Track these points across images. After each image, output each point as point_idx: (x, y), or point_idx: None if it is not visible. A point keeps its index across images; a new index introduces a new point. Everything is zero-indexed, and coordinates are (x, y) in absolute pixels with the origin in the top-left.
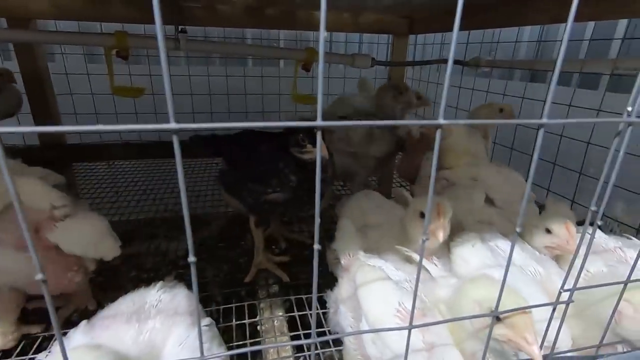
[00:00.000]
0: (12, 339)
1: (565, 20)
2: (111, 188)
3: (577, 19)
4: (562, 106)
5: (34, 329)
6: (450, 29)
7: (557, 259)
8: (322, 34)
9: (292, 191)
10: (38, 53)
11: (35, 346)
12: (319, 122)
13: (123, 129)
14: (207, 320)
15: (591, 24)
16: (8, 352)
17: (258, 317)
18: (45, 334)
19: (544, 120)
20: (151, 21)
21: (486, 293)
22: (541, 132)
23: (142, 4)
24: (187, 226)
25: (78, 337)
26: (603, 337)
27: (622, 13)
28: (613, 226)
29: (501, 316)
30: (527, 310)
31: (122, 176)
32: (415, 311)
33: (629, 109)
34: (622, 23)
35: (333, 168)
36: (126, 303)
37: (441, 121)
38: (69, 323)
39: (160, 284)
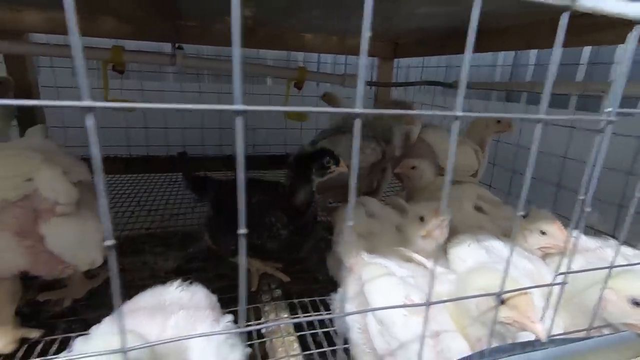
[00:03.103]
0: (12, 339)
1: (536, 46)
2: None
3: (549, 46)
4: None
5: (33, 334)
6: (429, 54)
7: (543, 259)
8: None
9: (281, 242)
10: (28, 65)
11: (37, 351)
12: (358, 110)
13: None
14: (228, 317)
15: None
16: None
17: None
18: (47, 338)
19: (542, 115)
20: (146, 37)
21: (490, 280)
22: (539, 126)
23: (137, 20)
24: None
25: (103, 330)
26: (592, 322)
27: (587, 42)
28: (590, 234)
29: (505, 298)
30: (527, 291)
31: (108, 191)
32: (420, 302)
33: (609, 109)
34: (587, 49)
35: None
36: (144, 300)
37: (458, 113)
38: (67, 330)
39: (177, 282)
